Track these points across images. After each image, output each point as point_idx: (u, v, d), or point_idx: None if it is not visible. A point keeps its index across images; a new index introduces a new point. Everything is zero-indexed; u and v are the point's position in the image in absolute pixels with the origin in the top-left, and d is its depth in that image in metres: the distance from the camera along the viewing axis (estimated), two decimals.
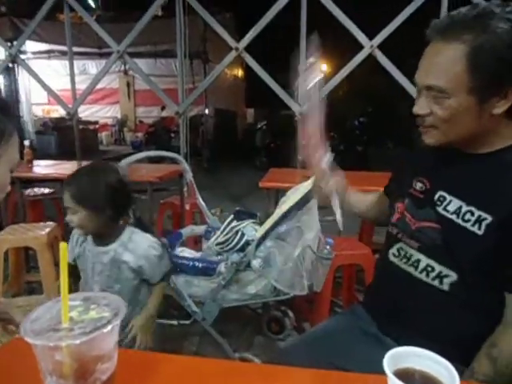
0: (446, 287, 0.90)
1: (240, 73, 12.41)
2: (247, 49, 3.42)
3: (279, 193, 2.60)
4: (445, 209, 0.91)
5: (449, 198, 0.91)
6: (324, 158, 1.14)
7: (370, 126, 9.19)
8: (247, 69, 11.52)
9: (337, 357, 0.97)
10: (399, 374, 0.50)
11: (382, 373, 0.51)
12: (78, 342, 0.45)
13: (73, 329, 0.48)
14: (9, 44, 4.42)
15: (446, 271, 0.89)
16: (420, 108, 0.89)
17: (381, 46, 3.13)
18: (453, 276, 0.89)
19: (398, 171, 1.16)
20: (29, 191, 3.62)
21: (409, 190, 1.00)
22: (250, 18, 3.82)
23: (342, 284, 2.40)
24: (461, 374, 0.82)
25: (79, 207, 1.29)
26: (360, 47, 3.18)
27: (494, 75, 0.81)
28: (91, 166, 1.52)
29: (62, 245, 0.46)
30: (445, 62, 0.83)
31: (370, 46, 3.11)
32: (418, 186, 0.99)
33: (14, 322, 1.07)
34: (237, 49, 3.38)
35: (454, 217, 0.89)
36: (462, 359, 0.83)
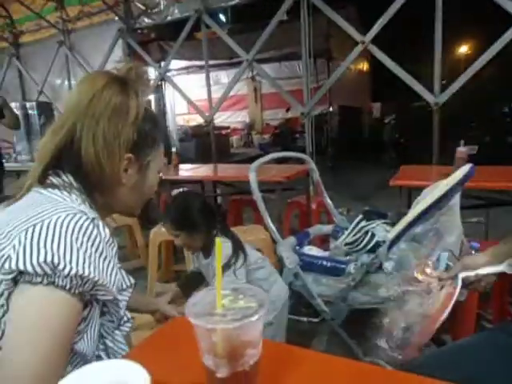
0: None
1: (365, 67, 11.93)
2: (373, 41, 3.29)
3: (412, 192, 2.43)
4: None
5: None
6: None
7: None
8: (372, 62, 11.01)
9: (477, 376, 0.87)
10: None
11: None
12: (231, 326, 0.51)
13: (225, 315, 0.54)
14: (158, 65, 5.12)
15: None
16: None
17: None
18: None
19: None
20: (175, 191, 4.14)
21: None
22: (374, 10, 3.66)
23: (492, 295, 2.11)
24: None
25: (178, 231, 1.63)
26: (509, 22, 2.75)
27: None
28: (179, 197, 1.89)
29: (218, 240, 0.52)
30: None
31: None
32: None
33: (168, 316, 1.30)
34: (363, 42, 3.28)
35: None
36: None
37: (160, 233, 2.74)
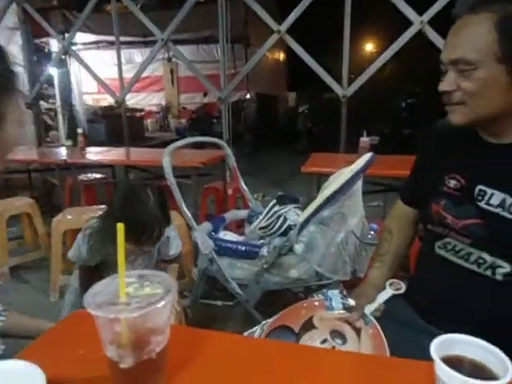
0: (499, 277, 0.87)
1: (281, 56, 12.24)
2: (289, 31, 3.37)
3: (321, 178, 2.58)
4: (488, 203, 0.87)
5: (490, 191, 0.87)
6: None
7: (418, 107, 8.78)
8: (289, 52, 11.34)
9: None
10: (447, 361, 0.49)
11: (429, 360, 0.51)
12: (135, 315, 0.49)
13: (130, 303, 0.52)
14: (61, 36, 4.65)
15: (498, 262, 0.87)
16: (446, 85, 0.87)
17: (430, 22, 2.96)
18: (506, 267, 0.86)
19: (421, 172, 1.10)
20: (82, 176, 3.85)
21: (443, 189, 0.96)
22: (292, 0, 3.75)
23: None
24: None
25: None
26: (408, 24, 3.03)
27: None
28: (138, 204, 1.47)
29: (120, 225, 0.49)
30: (471, 33, 0.82)
31: (419, 21, 2.96)
32: (452, 183, 0.94)
33: None
34: (279, 31, 3.35)
35: (499, 210, 0.85)
36: None
37: (64, 221, 2.53)
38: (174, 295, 0.53)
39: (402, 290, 0.93)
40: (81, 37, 9.56)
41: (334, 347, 0.87)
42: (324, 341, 0.89)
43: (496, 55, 0.80)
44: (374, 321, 0.91)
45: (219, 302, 2.08)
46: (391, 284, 0.95)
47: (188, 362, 0.64)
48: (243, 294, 1.87)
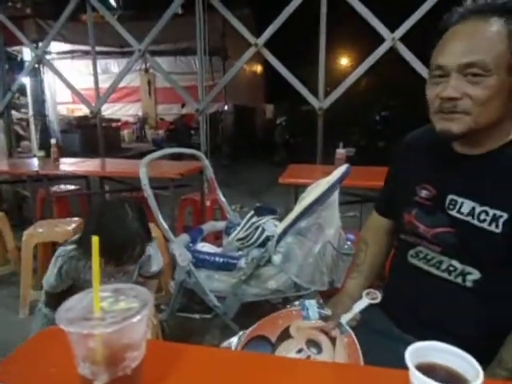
0: (469, 284, 0.89)
1: (259, 69, 12.40)
2: (266, 44, 3.42)
3: (299, 189, 2.60)
4: (459, 211, 0.90)
5: (460, 200, 0.90)
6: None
7: (392, 120, 9.04)
8: (266, 64, 11.51)
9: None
10: (421, 368, 0.50)
11: (405, 368, 0.52)
12: (109, 330, 0.48)
13: (104, 318, 0.50)
14: (34, 45, 4.55)
15: (468, 269, 0.89)
16: (453, 91, 0.82)
17: (402, 39, 3.07)
18: (475, 274, 0.88)
19: (394, 183, 1.12)
20: (55, 188, 3.74)
21: (414, 199, 0.98)
22: (268, 13, 3.82)
23: None
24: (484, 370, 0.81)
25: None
26: (381, 40, 3.13)
27: None
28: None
29: (94, 239, 0.48)
30: (488, 38, 0.80)
31: (391, 38, 3.07)
32: (424, 193, 0.97)
33: None
34: (256, 45, 3.39)
35: (469, 218, 0.88)
36: (487, 355, 0.82)
37: (35, 234, 2.45)
38: (151, 309, 0.52)
39: (378, 300, 0.94)
40: (55, 46, 9.42)
41: (309, 356, 0.87)
42: (300, 350, 0.89)
43: (508, 65, 0.80)
44: (350, 330, 0.91)
45: (197, 315, 2.05)
46: (367, 294, 0.96)
47: (164, 377, 0.62)
48: (221, 306, 1.85)
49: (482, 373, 0.48)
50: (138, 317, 0.50)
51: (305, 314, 0.96)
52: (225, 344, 1.00)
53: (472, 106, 0.83)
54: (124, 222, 1.32)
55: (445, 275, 0.92)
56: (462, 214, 0.89)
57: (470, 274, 0.89)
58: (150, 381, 0.59)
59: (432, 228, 0.94)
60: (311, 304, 0.98)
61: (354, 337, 0.90)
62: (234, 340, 0.99)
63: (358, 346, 0.88)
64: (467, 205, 0.88)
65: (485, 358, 0.81)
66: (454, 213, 0.90)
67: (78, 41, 8.61)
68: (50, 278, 1.46)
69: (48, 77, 8.83)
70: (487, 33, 0.81)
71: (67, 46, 9.77)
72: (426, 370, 0.50)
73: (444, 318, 0.93)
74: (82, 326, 0.48)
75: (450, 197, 0.92)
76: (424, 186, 0.97)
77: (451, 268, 0.91)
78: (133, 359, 0.51)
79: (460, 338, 0.87)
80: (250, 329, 0.99)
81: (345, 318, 0.93)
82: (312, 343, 0.90)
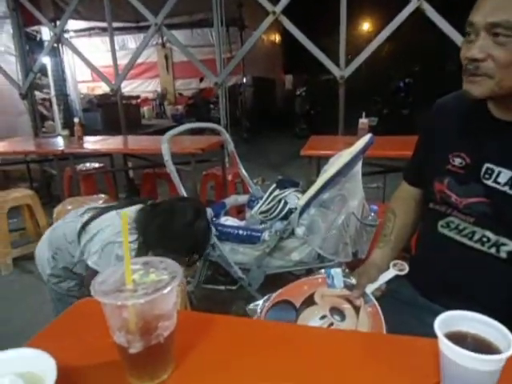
0: (503, 255, 0.87)
1: (277, 38, 12.05)
2: (284, 12, 3.31)
3: (321, 160, 2.58)
4: (495, 181, 0.86)
5: (497, 169, 0.86)
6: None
7: (416, 87, 8.71)
8: (285, 34, 11.14)
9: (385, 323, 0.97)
10: (451, 337, 0.50)
11: (430, 336, 0.52)
12: (142, 301, 0.50)
13: (136, 290, 0.52)
14: (52, 24, 4.56)
15: (502, 240, 0.87)
16: (477, 51, 0.79)
17: None
18: (510, 244, 0.86)
19: (424, 150, 1.07)
20: (81, 166, 3.84)
21: (446, 167, 0.94)
22: None
23: None
24: None
25: None
26: (405, 2, 2.97)
27: None
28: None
29: (124, 213, 0.49)
30: None
31: None
32: (457, 161, 0.93)
33: None
34: (274, 12, 3.29)
35: (506, 188, 0.84)
36: None
37: (65, 211, 2.53)
38: (180, 280, 0.53)
39: (405, 271, 0.94)
40: (72, 24, 9.39)
41: (332, 323, 0.89)
42: (323, 317, 0.90)
43: None
44: (374, 300, 0.91)
45: (222, 287, 2.10)
46: (395, 265, 0.95)
47: (193, 345, 0.65)
48: (246, 278, 1.89)
49: None
50: (169, 288, 0.51)
51: (330, 282, 0.97)
52: (251, 306, 1.02)
53: (495, 68, 0.79)
54: (192, 229, 1.37)
55: (478, 246, 0.90)
56: (498, 183, 0.86)
57: (504, 244, 0.86)
58: (181, 348, 0.61)
59: (465, 198, 0.91)
60: (337, 272, 0.98)
61: (378, 307, 0.90)
62: (259, 303, 1.01)
63: (382, 317, 0.88)
64: (505, 174, 0.85)
65: None
66: (489, 182, 0.87)
67: (95, 17, 8.52)
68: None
69: (67, 56, 8.87)
70: None
71: (84, 24, 9.71)
72: (456, 338, 0.50)
73: (475, 289, 0.92)
74: (116, 298, 0.50)
75: (486, 165, 0.88)
76: (457, 154, 0.93)
77: (484, 239, 0.89)
78: (165, 328, 0.53)
79: (490, 309, 0.86)
80: (276, 293, 1.01)
81: (370, 288, 0.93)
82: (336, 311, 0.91)
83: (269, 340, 0.68)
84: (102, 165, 3.99)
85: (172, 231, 1.36)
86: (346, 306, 0.91)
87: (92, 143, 3.51)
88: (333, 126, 3.45)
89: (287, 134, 8.26)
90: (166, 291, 0.51)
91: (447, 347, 0.49)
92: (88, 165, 3.93)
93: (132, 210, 1.45)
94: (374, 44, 3.13)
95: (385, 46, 10.14)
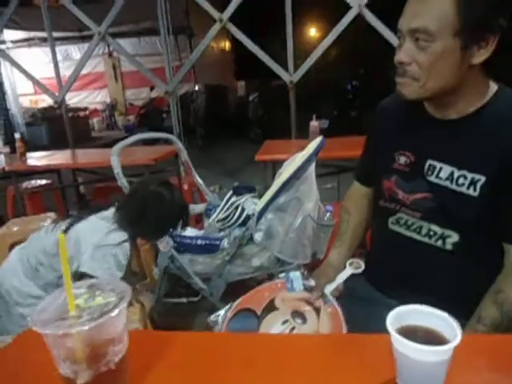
0: (449, 247, 0.91)
1: (228, 45, 12.11)
2: (232, 20, 3.33)
3: (276, 165, 2.60)
4: (437, 176, 0.90)
5: (439, 165, 0.90)
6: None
7: (362, 88, 9.06)
8: (235, 40, 11.20)
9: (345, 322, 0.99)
10: (404, 331, 0.52)
11: (387, 332, 0.53)
12: (86, 327, 0.46)
13: (81, 316, 0.49)
14: None
15: (447, 232, 0.91)
16: (404, 55, 0.85)
17: (369, 5, 3.04)
18: (454, 236, 0.90)
19: (372, 150, 1.11)
20: (26, 184, 3.61)
21: (393, 166, 0.98)
22: None
23: None
24: (464, 326, 0.85)
25: None
26: (349, 8, 3.09)
27: (481, 19, 0.79)
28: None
29: (61, 236, 0.46)
30: (432, 2, 0.81)
31: (357, 5, 3.03)
32: (402, 160, 0.97)
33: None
34: (221, 20, 3.29)
35: (447, 183, 0.89)
36: (467, 314, 0.86)
37: (10, 234, 2.37)
38: (140, 293, 0.50)
39: (361, 269, 0.96)
40: (10, 34, 8.91)
41: (294, 327, 0.89)
42: (285, 321, 0.90)
43: (454, 28, 0.79)
44: (333, 300, 0.93)
45: (184, 299, 2.06)
46: (351, 264, 0.97)
47: (151, 366, 0.62)
48: (207, 287, 1.86)
49: (460, 332, 0.49)
50: (117, 310, 0.49)
51: (289, 286, 0.97)
52: (212, 317, 1.00)
53: (419, 71, 0.84)
54: (167, 201, 1.46)
55: (425, 240, 0.94)
56: (440, 178, 0.90)
57: (449, 236, 0.91)
58: (137, 371, 0.58)
59: (411, 194, 0.95)
60: (295, 276, 0.98)
61: (337, 307, 0.91)
62: (220, 313, 1.00)
63: (342, 316, 0.90)
64: (446, 169, 0.89)
65: (464, 315, 0.85)
66: (432, 178, 0.91)
67: (34, 27, 8.15)
68: (113, 271, 1.39)
69: (5, 68, 8.38)
70: None
71: (23, 34, 9.25)
72: (408, 332, 0.52)
73: (425, 281, 0.96)
74: (58, 327, 0.47)
75: (428, 162, 0.92)
76: (402, 153, 0.97)
77: (431, 232, 0.93)
78: (115, 353, 0.50)
79: (441, 298, 0.90)
80: (236, 302, 1.00)
81: (328, 289, 0.94)
82: (297, 314, 0.92)
83: (230, 352, 0.66)
84: (49, 181, 3.78)
85: (160, 210, 1.44)
86: (307, 309, 0.92)
87: (37, 159, 3.31)
88: (287, 130, 3.50)
89: (242, 139, 8.29)
90: (113, 314, 0.48)
91: (398, 341, 0.50)
92: (33, 182, 3.71)
93: (106, 215, 1.46)
94: (320, 49, 3.23)
95: (332, 50, 10.49)
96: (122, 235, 1.40)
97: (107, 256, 1.36)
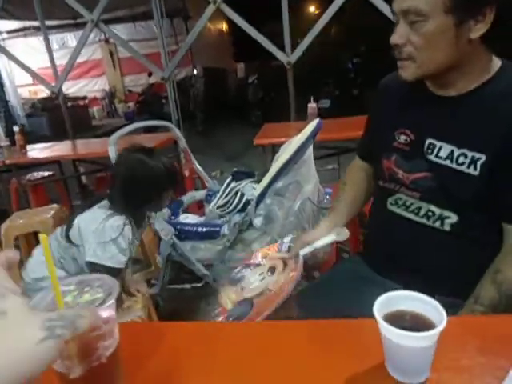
0: (447, 228, 0.90)
1: (225, 27, 11.89)
2: (227, 1, 3.25)
3: (275, 148, 2.58)
4: (437, 156, 0.89)
5: (438, 144, 0.89)
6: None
7: (364, 66, 8.90)
8: (232, 22, 10.94)
9: (342, 303, 1.00)
10: (391, 317, 0.52)
11: None
12: None
13: None
14: None
15: (446, 213, 0.90)
16: (398, 37, 0.85)
17: None
18: (453, 217, 0.89)
19: (373, 127, 1.11)
20: (29, 176, 3.63)
21: (393, 145, 0.97)
22: None
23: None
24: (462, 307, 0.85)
25: None
26: None
27: None
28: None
29: (42, 236, 0.46)
30: None
31: None
32: (402, 138, 0.96)
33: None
34: (215, 2, 3.22)
35: (447, 162, 0.88)
36: (463, 294, 0.86)
37: (13, 226, 2.39)
38: (139, 282, 0.51)
39: (345, 238, 1.00)
40: (4, 24, 8.80)
41: (264, 278, 1.02)
42: (261, 273, 1.04)
43: (444, 5, 0.78)
44: (301, 261, 0.99)
45: (188, 285, 2.09)
46: (338, 233, 1.01)
47: (148, 357, 0.63)
48: (210, 273, 1.88)
49: (445, 316, 0.50)
50: (105, 306, 0.49)
51: (279, 247, 1.11)
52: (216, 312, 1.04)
53: (414, 51, 0.84)
54: (151, 165, 1.43)
55: (424, 221, 0.93)
56: (440, 158, 0.89)
57: (447, 217, 0.90)
58: (133, 363, 0.59)
59: (411, 173, 0.94)
60: (287, 239, 1.13)
61: (298, 267, 0.97)
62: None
63: (299, 276, 0.95)
64: (445, 148, 0.88)
65: (462, 296, 0.85)
66: (432, 157, 0.90)
67: (28, 16, 8.02)
68: (116, 257, 1.40)
69: (2, 59, 8.32)
70: None
71: (17, 24, 9.13)
72: (395, 317, 0.52)
73: (423, 263, 0.96)
74: None
75: (428, 141, 0.91)
76: (402, 131, 0.96)
77: (430, 213, 0.92)
78: (106, 347, 0.51)
79: (439, 280, 0.91)
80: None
81: (303, 251, 1.02)
82: (272, 269, 1.05)
83: (226, 341, 0.67)
84: (51, 173, 3.79)
85: (145, 174, 1.42)
86: (279, 264, 1.04)
87: (38, 151, 3.32)
88: (287, 111, 3.46)
89: (243, 123, 8.22)
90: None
91: (383, 327, 0.51)
92: (36, 174, 3.72)
93: (104, 203, 1.47)
94: (318, 27, 3.16)
95: (331, 28, 10.26)
96: (119, 219, 1.40)
97: (108, 244, 1.38)
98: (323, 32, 3.21)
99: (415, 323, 0.51)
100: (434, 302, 0.52)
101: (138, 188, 1.42)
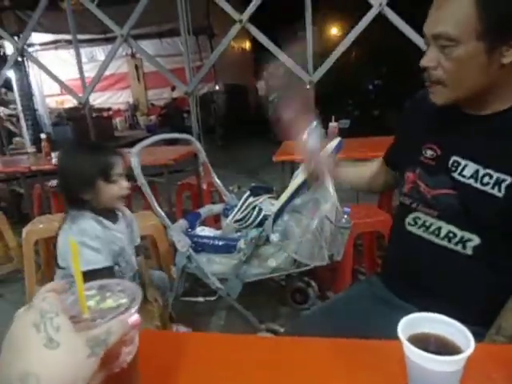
0: (469, 251, 0.88)
1: (248, 45, 12.13)
2: (252, 20, 3.33)
3: (295, 165, 2.59)
4: (461, 174, 0.88)
5: (463, 162, 0.88)
6: (309, 133, 1.17)
7: (385, 88, 8.91)
8: (255, 41, 11.16)
9: (356, 324, 0.98)
10: (415, 339, 0.51)
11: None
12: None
13: (94, 318, 0.49)
14: (16, 38, 4.44)
15: (468, 235, 0.88)
16: (428, 60, 0.85)
17: (390, 4, 2.98)
18: (475, 240, 0.87)
19: (401, 139, 1.12)
20: (51, 183, 3.72)
21: (419, 158, 0.97)
22: None
23: (364, 251, 2.41)
24: (483, 336, 0.82)
25: None
26: (369, 7, 3.04)
27: (504, 19, 0.77)
28: None
29: (72, 243, 0.47)
30: (452, 6, 0.79)
31: (378, 4, 2.98)
32: (429, 153, 0.95)
33: None
34: (240, 21, 3.30)
35: (471, 181, 0.86)
36: (485, 322, 0.83)
37: (35, 230, 2.45)
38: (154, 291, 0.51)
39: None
40: (38, 37, 9.19)
41: None
42: None
43: (476, 31, 0.78)
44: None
45: (201, 298, 2.08)
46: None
47: (164, 366, 0.63)
48: (224, 288, 1.87)
49: (473, 341, 0.48)
50: (132, 311, 0.49)
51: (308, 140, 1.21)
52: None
53: (445, 76, 0.84)
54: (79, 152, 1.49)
55: (444, 243, 0.91)
56: (464, 176, 0.88)
57: (469, 240, 0.88)
58: (150, 371, 0.59)
59: (433, 189, 0.93)
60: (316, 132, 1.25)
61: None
62: None
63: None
64: (470, 167, 0.87)
65: (483, 324, 0.83)
66: (455, 175, 0.89)
67: (60, 30, 8.38)
68: (96, 258, 1.37)
69: (33, 70, 8.66)
70: (451, 1, 0.79)
71: (50, 37, 9.53)
72: (420, 340, 0.51)
73: (444, 287, 0.93)
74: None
75: (453, 158, 0.90)
76: (430, 146, 0.96)
77: (451, 235, 0.90)
78: (127, 354, 0.51)
79: (459, 306, 0.88)
80: None
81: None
82: None
83: (241, 354, 0.67)
84: None
85: (73, 158, 1.47)
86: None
87: None
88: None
89: (263, 139, 8.26)
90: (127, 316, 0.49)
91: (409, 350, 0.49)
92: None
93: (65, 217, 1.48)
94: (341, 48, 3.19)
95: (353, 50, 10.35)
96: (81, 222, 1.40)
97: (82, 249, 1.34)
98: (345, 53, 3.24)
99: (440, 347, 0.50)
100: (460, 326, 0.51)
101: (66, 180, 1.47)
